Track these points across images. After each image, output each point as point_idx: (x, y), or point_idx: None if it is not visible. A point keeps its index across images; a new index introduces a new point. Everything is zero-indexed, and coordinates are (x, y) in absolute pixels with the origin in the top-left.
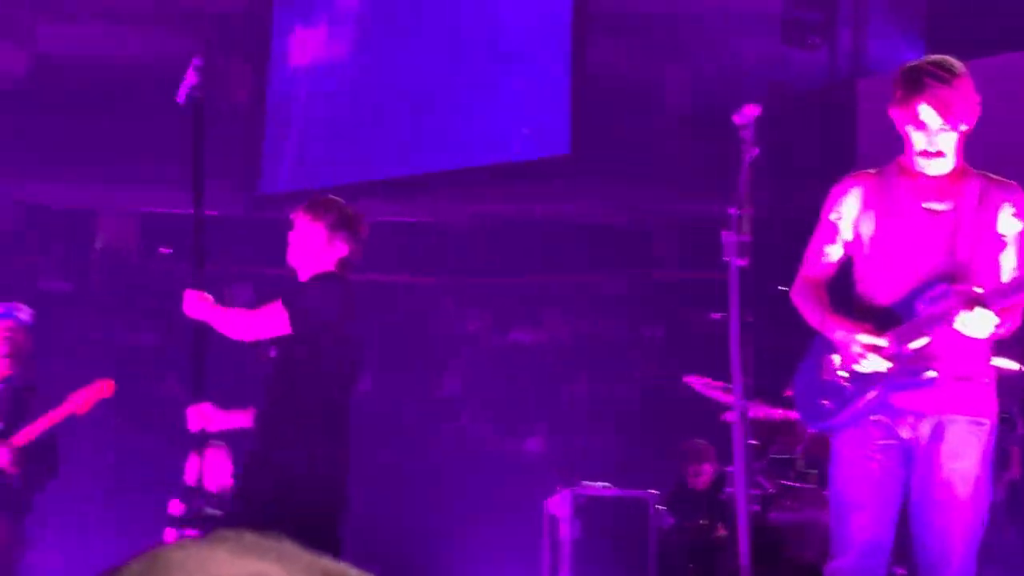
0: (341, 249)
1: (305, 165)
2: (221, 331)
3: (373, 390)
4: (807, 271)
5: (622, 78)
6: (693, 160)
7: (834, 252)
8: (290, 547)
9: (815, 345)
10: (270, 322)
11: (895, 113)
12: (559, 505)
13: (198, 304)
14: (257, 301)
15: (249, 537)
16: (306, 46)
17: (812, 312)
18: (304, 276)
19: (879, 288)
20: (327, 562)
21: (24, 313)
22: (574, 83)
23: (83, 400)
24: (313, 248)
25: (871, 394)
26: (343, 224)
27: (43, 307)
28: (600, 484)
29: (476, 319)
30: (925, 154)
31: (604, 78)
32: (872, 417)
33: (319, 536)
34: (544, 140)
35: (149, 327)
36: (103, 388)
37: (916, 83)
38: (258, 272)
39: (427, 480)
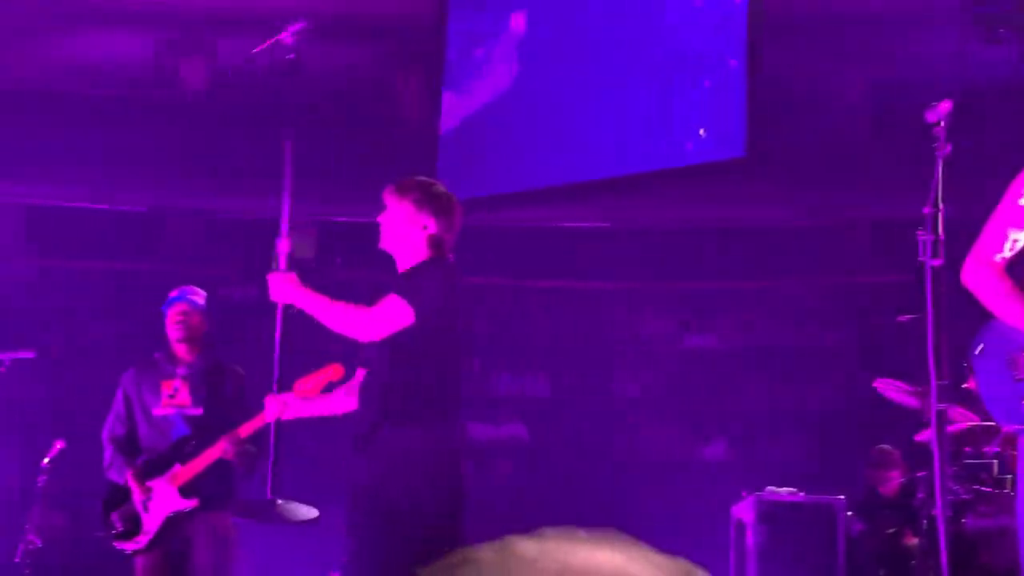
0: (430, 226)
1: (479, 176)
2: (328, 324)
3: (552, 395)
4: (989, 254)
5: (799, 79)
6: (879, 160)
7: (1021, 239)
8: (625, 541)
9: (994, 337)
10: (394, 317)
11: None
12: (745, 511)
13: (286, 287)
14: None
15: (580, 532)
16: (478, 57)
17: (1009, 302)
18: (399, 258)
19: None
20: (661, 557)
21: (198, 296)
22: (750, 85)
23: (312, 385)
24: (402, 227)
25: None
26: (429, 200)
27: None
28: (786, 490)
29: (653, 324)
30: None
31: (781, 79)
32: None
33: (446, 521)
34: (720, 143)
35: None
36: (332, 372)
37: None
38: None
39: (607, 486)
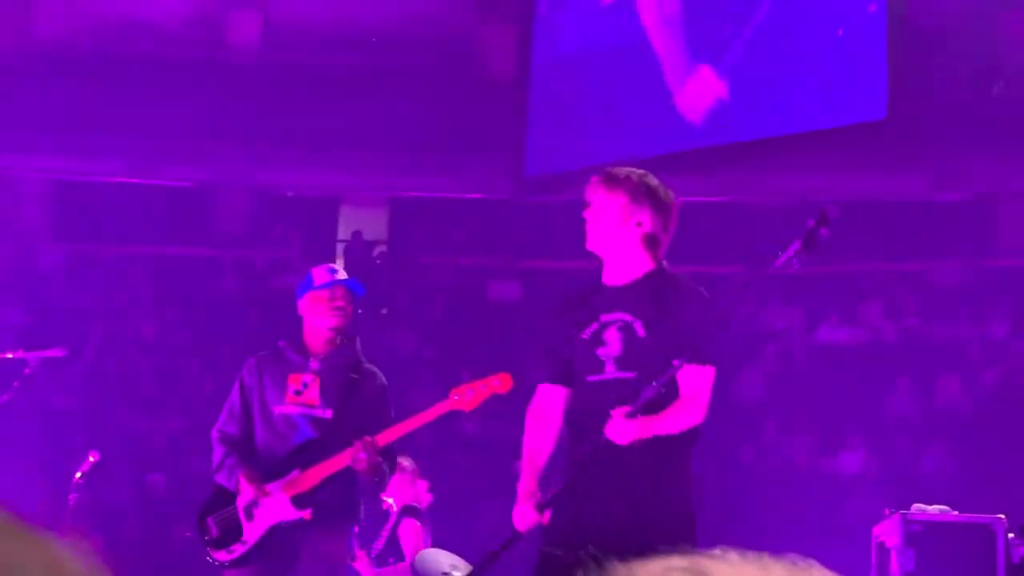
0: (645, 223)
1: (579, 142)
2: (670, 432)
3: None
4: None
5: (951, 33)
6: None
7: None
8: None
9: None
10: (709, 386)
11: None
12: (889, 532)
13: (628, 429)
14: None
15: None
16: (578, 18)
17: None
18: (609, 260)
19: None
20: None
21: (358, 287)
22: (891, 39)
23: (472, 396)
24: (612, 224)
25: None
26: (645, 194)
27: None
28: (937, 508)
29: (782, 315)
30: None
31: (930, 33)
32: None
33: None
34: (859, 103)
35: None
36: (498, 383)
37: None
38: (528, 266)
39: (727, 498)
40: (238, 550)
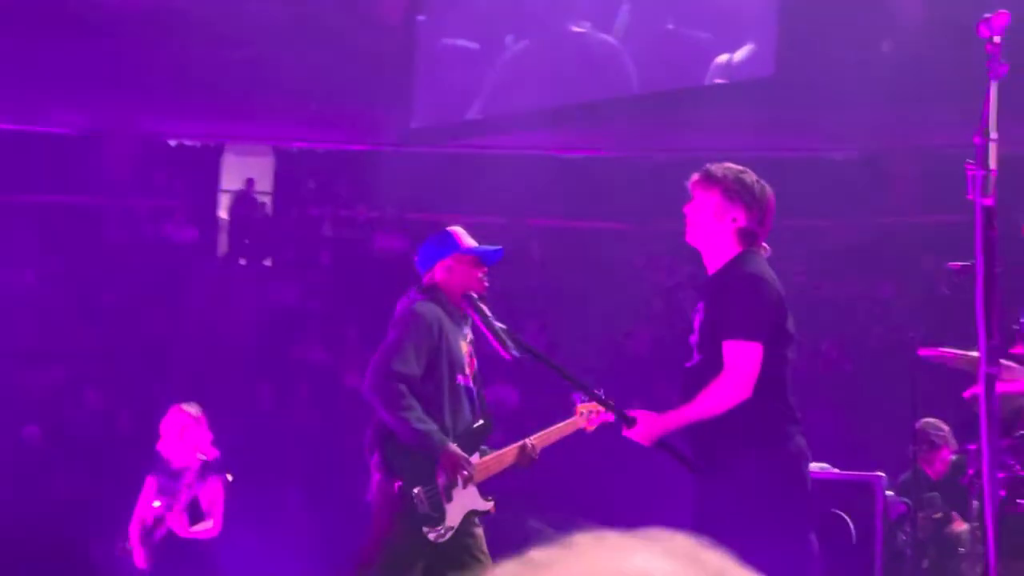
0: (740, 218)
1: (467, 94)
2: (710, 416)
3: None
4: None
5: None
6: (926, 81)
7: None
8: (675, 543)
9: None
10: (750, 363)
11: None
12: None
13: (654, 427)
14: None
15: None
16: None
17: None
18: (707, 254)
19: None
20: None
21: (495, 257)
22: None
23: (596, 417)
24: (709, 220)
25: None
26: (740, 190)
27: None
28: (818, 465)
29: (674, 271)
30: None
31: None
32: None
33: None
34: (749, 60)
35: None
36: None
37: None
38: (415, 218)
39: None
40: (446, 534)
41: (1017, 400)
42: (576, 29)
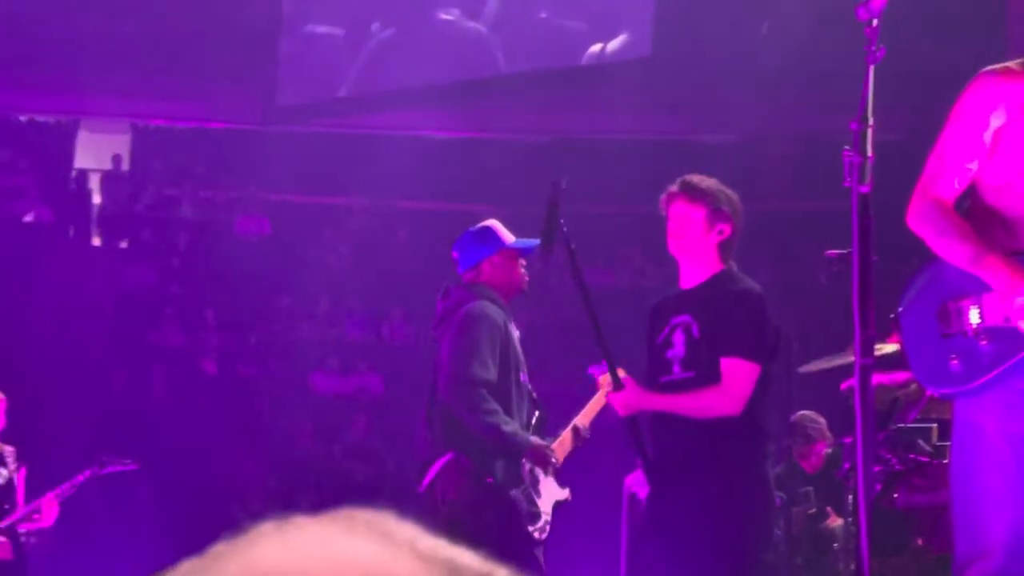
0: (725, 231)
1: (332, 71)
2: (689, 416)
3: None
4: (937, 192)
5: None
6: (804, 64)
7: (970, 169)
8: (405, 528)
9: (929, 285)
10: (747, 382)
11: None
12: (640, 482)
13: (632, 400)
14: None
15: (363, 517)
16: None
17: (958, 245)
18: (686, 265)
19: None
20: (450, 551)
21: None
22: None
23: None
24: (695, 233)
25: (1017, 356)
26: (726, 204)
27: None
28: None
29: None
30: None
31: None
32: (1016, 383)
33: None
34: (626, 41)
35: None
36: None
37: None
38: (278, 200)
39: None
40: (546, 527)
41: (893, 392)
42: (444, 16)
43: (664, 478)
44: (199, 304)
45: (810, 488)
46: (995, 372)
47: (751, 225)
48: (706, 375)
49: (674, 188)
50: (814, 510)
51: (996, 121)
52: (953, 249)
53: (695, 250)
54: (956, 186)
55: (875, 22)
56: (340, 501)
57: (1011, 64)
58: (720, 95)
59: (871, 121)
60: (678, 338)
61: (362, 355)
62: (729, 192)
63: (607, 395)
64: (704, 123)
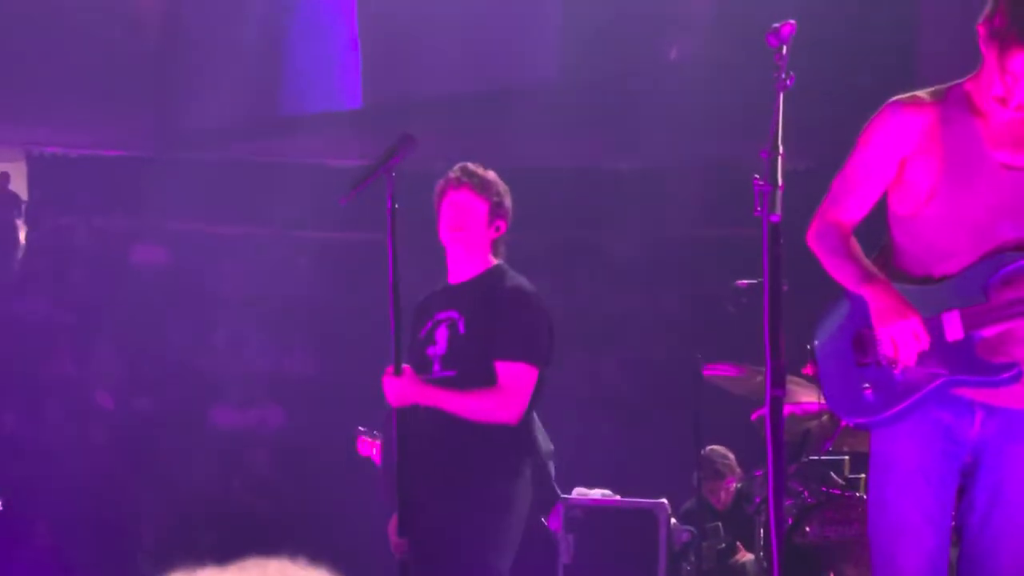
0: (502, 228)
1: (235, 97)
2: (464, 416)
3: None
4: (837, 214)
5: None
6: (712, 91)
7: (873, 196)
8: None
9: (847, 313)
10: (526, 386)
11: (995, 46)
12: (551, 517)
13: (406, 391)
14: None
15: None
16: None
17: (847, 266)
18: (457, 256)
19: (933, 253)
20: None
21: None
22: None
23: None
24: (476, 227)
25: (930, 386)
26: (507, 200)
27: None
28: (599, 491)
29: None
30: (1013, 105)
31: None
32: (930, 414)
33: None
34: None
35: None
36: None
37: None
38: (176, 229)
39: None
40: None
41: (803, 423)
42: (351, 41)
43: (423, 476)
44: (93, 335)
45: (719, 523)
46: (908, 401)
47: (660, 252)
48: (468, 374)
49: (457, 175)
50: (723, 545)
51: (903, 150)
52: (842, 270)
53: (472, 243)
54: (857, 210)
55: (784, 49)
56: (242, 539)
57: (920, 93)
58: (629, 121)
59: (781, 149)
60: (441, 335)
61: (263, 387)
62: (507, 190)
63: (383, 379)
64: (613, 149)
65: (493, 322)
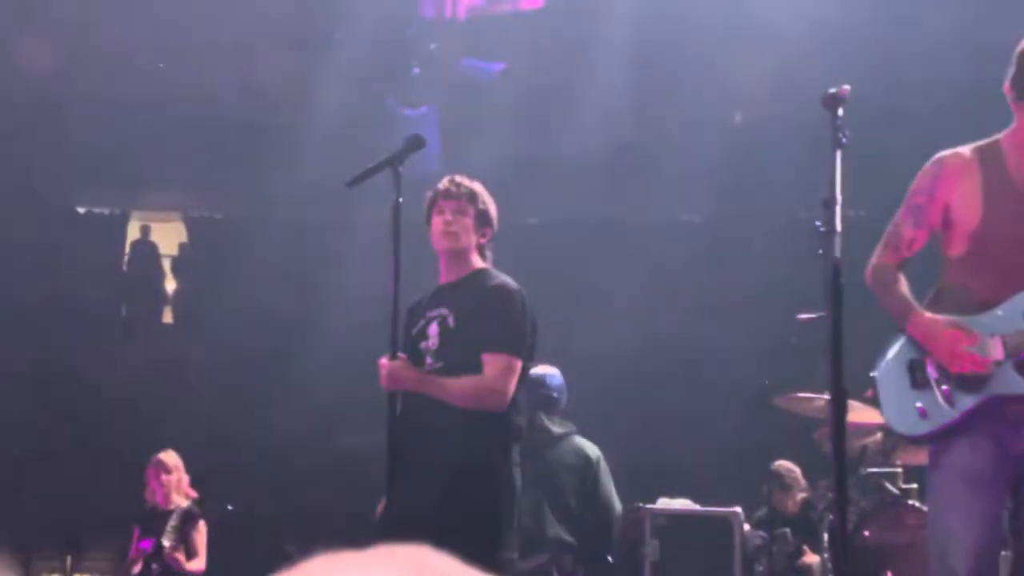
0: (487, 235)
1: None
2: (456, 403)
3: None
4: (888, 255)
5: None
6: (772, 147)
7: (920, 239)
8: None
9: (901, 345)
10: (512, 376)
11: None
12: (636, 524)
13: (399, 376)
14: None
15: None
16: None
17: (894, 302)
18: (452, 262)
19: (978, 289)
20: None
21: None
22: None
23: None
24: (468, 232)
25: (978, 402)
26: (492, 206)
27: None
28: (681, 501)
29: None
30: None
31: None
32: (979, 427)
33: None
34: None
35: None
36: None
37: None
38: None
39: None
40: None
41: (861, 439)
42: None
43: (414, 463)
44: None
45: (787, 529)
46: (956, 416)
47: (736, 290)
48: (456, 364)
49: (446, 186)
50: (792, 549)
51: (946, 197)
52: (890, 305)
53: (461, 248)
54: (904, 251)
55: (840, 111)
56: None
57: (961, 149)
58: (692, 175)
59: (840, 199)
60: (432, 330)
61: None
62: (491, 198)
63: (380, 361)
64: (676, 202)
65: (479, 317)
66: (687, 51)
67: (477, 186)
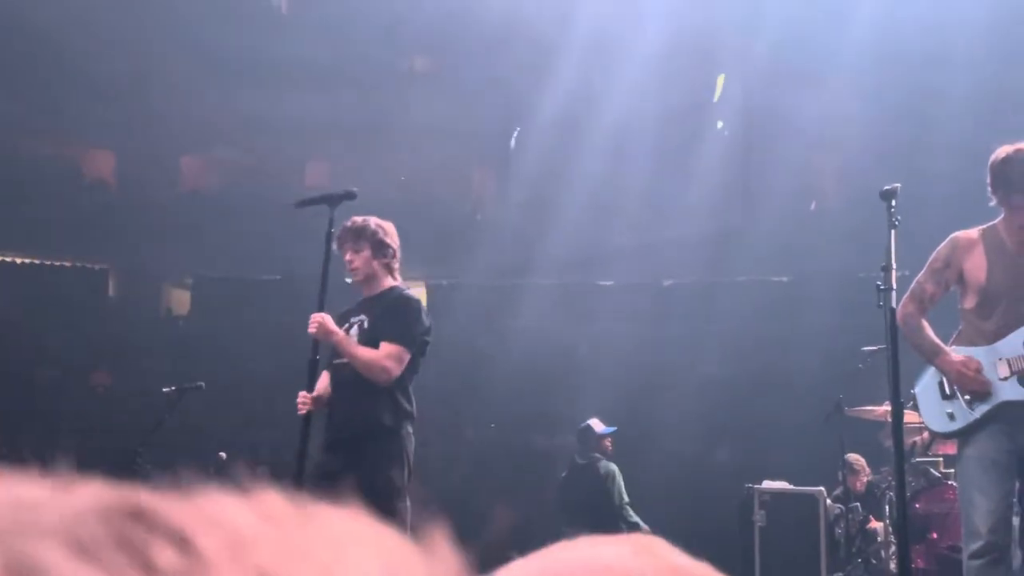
0: (390, 256)
1: None
2: (355, 364)
3: None
4: (914, 304)
5: None
6: (838, 225)
7: (938, 294)
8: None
9: (932, 371)
10: (400, 364)
11: (1004, 203)
12: (748, 500)
13: (327, 325)
14: None
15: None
16: None
17: (922, 342)
18: (368, 286)
19: (988, 327)
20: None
21: None
22: None
23: None
24: (369, 261)
25: (991, 407)
26: (390, 236)
27: None
28: (780, 483)
29: None
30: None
31: None
32: (992, 425)
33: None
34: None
35: None
36: None
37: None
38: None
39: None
40: None
41: (911, 436)
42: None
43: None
44: None
45: (857, 504)
46: (975, 416)
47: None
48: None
49: (338, 233)
50: (862, 517)
51: (959, 263)
52: (918, 345)
53: (369, 276)
54: (926, 304)
55: (894, 203)
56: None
57: (972, 231)
58: (779, 246)
59: (895, 265)
60: (354, 331)
61: None
62: (385, 225)
63: (312, 314)
64: (762, 265)
65: (384, 319)
66: (780, 151)
67: (370, 221)
